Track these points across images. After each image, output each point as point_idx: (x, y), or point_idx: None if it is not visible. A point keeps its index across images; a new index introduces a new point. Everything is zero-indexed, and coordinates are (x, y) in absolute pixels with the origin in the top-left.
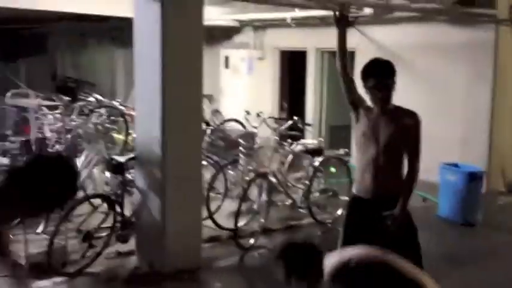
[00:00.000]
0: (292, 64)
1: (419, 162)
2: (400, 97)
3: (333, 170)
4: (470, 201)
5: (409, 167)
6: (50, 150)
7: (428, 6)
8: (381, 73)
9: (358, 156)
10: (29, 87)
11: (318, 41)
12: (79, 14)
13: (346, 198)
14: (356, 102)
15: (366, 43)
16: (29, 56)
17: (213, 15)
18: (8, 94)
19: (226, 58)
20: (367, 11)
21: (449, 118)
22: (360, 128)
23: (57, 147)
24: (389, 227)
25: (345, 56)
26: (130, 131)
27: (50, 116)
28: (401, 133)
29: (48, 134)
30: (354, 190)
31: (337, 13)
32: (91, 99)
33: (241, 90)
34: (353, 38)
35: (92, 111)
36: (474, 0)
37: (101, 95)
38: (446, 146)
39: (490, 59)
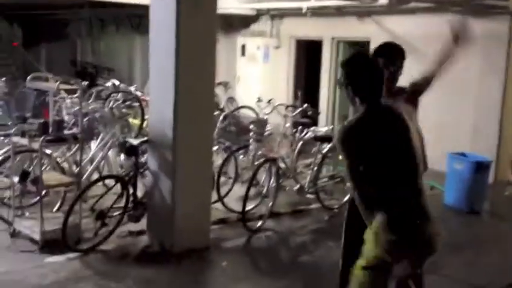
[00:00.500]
0: (308, 53)
1: None
2: None
3: (340, 156)
4: (476, 190)
5: None
6: (66, 132)
7: None
8: (390, 54)
9: None
10: (49, 72)
11: (333, 31)
12: (99, 1)
13: None
14: None
15: (381, 33)
16: (50, 41)
17: (231, 4)
18: (29, 78)
19: (243, 46)
20: (383, 1)
21: (460, 108)
22: None
23: (74, 129)
24: None
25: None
26: (145, 117)
27: (68, 100)
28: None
29: (65, 117)
30: None
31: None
32: (108, 84)
33: (256, 78)
34: (368, 28)
35: (108, 96)
36: None
37: (119, 81)
38: (457, 135)
39: (503, 50)
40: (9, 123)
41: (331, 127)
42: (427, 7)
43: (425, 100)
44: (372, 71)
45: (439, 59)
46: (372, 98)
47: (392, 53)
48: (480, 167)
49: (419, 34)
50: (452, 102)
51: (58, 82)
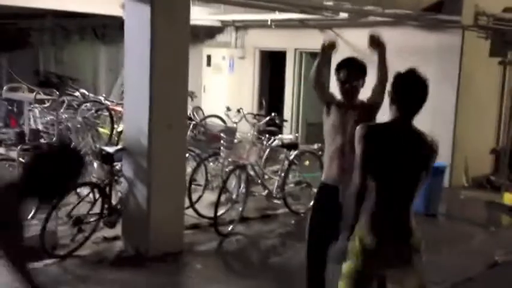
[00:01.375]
0: (272, 63)
1: None
2: None
3: (306, 163)
4: (432, 194)
5: None
6: (42, 141)
7: (399, 12)
8: (351, 67)
9: (326, 146)
10: (10, 81)
11: (296, 42)
12: (62, 11)
13: None
14: (328, 100)
15: (342, 45)
16: (12, 51)
17: (197, 15)
18: (5, 88)
19: (209, 57)
20: (343, 15)
21: (417, 117)
22: (329, 120)
23: (47, 139)
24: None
25: (321, 72)
26: (115, 125)
27: (37, 110)
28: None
29: (39, 126)
30: (322, 178)
31: (325, 43)
32: (77, 94)
33: (222, 88)
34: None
35: (79, 105)
36: (441, 7)
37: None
38: None
39: (456, 61)
40: None
41: (296, 134)
42: (385, 21)
43: (384, 108)
44: (420, 91)
45: (378, 66)
46: (406, 113)
47: (355, 67)
48: (435, 172)
49: None
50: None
51: (35, 92)
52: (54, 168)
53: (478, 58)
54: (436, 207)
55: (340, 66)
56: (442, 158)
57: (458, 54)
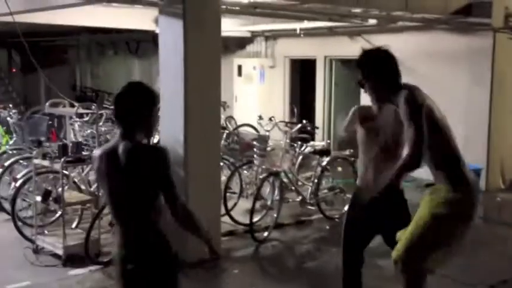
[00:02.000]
0: (303, 71)
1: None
2: None
3: (339, 169)
4: None
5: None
6: (84, 153)
7: (428, 16)
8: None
9: (360, 154)
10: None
11: (326, 50)
12: (97, 27)
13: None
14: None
15: None
16: (50, 67)
17: (227, 27)
18: (47, 103)
19: (239, 67)
20: (372, 21)
21: (451, 121)
22: (361, 129)
23: (88, 151)
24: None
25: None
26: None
27: (78, 123)
28: (396, 127)
29: (80, 139)
30: (357, 183)
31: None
32: None
33: (253, 97)
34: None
35: None
36: (470, 10)
37: None
38: None
39: (487, 64)
40: (23, 148)
41: (328, 141)
42: (414, 26)
43: None
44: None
45: None
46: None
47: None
48: None
49: (408, 51)
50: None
51: (76, 107)
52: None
53: (510, 59)
54: None
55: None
56: (477, 160)
57: (490, 56)
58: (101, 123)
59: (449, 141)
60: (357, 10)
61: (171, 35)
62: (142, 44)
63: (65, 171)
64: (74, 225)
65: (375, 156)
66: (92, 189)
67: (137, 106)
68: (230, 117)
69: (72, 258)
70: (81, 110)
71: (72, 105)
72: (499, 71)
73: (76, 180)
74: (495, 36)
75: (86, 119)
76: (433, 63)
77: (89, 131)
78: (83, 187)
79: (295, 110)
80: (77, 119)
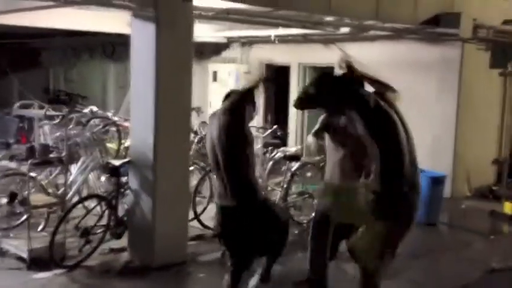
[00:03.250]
0: (278, 78)
1: None
2: None
3: (309, 174)
4: (433, 204)
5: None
6: (51, 156)
7: (398, 26)
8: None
9: (328, 156)
10: (21, 100)
11: (300, 57)
12: (72, 30)
13: None
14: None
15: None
16: (23, 70)
17: (203, 32)
18: (16, 105)
19: (215, 73)
20: (344, 29)
21: (419, 129)
22: (328, 135)
23: (57, 154)
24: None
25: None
26: (122, 141)
27: (47, 126)
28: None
29: (49, 142)
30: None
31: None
32: (86, 110)
33: None
34: (333, 54)
35: (88, 121)
36: (439, 20)
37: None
38: (417, 153)
39: (456, 74)
40: None
41: (299, 147)
42: (386, 35)
43: None
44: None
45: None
46: None
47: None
48: (435, 182)
49: (379, 60)
50: (411, 121)
51: (45, 109)
52: None
53: (478, 70)
54: (437, 216)
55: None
56: (443, 168)
57: (458, 67)
58: (71, 126)
59: None
60: (330, 18)
61: (142, 39)
62: (118, 47)
63: (31, 174)
64: (40, 229)
65: (341, 159)
66: (59, 192)
67: None
68: (204, 123)
69: (37, 262)
70: (50, 112)
71: (42, 108)
72: (467, 81)
73: (43, 183)
74: (463, 47)
75: (56, 121)
76: (404, 72)
77: (58, 134)
78: (50, 190)
79: (269, 115)
80: (47, 121)
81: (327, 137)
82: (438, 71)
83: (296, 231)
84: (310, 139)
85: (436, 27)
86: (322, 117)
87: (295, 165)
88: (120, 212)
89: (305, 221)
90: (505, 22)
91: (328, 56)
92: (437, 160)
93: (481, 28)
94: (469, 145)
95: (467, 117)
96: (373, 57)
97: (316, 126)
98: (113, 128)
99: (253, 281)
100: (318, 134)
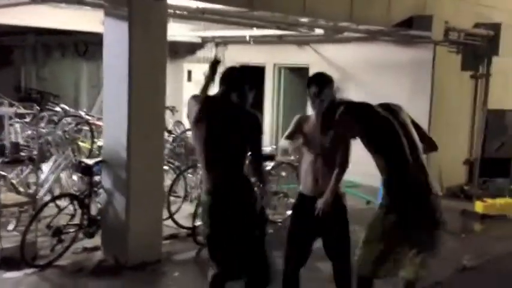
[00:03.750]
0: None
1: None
2: None
3: (283, 174)
4: None
5: (340, 158)
6: (22, 154)
7: (372, 28)
8: (321, 83)
9: (301, 160)
10: None
11: (275, 58)
12: (44, 28)
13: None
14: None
15: (319, 60)
16: None
17: (177, 32)
18: None
19: (189, 72)
20: (319, 31)
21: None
22: (302, 136)
23: (27, 152)
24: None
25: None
26: (95, 140)
27: (19, 124)
28: (334, 137)
29: (20, 140)
30: (300, 189)
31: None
32: (57, 109)
33: None
34: (307, 55)
35: (60, 120)
36: (412, 23)
37: (66, 106)
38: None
39: (428, 76)
40: None
41: (274, 146)
42: (359, 37)
43: None
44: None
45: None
46: None
47: (323, 82)
48: None
49: (354, 61)
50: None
51: (15, 106)
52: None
53: (450, 72)
54: None
55: (311, 81)
56: None
57: (430, 69)
58: (42, 125)
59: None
60: (305, 20)
61: (116, 37)
62: (91, 46)
63: (2, 172)
64: (10, 228)
65: (313, 161)
66: (30, 191)
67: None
68: (178, 122)
69: (7, 261)
70: (20, 110)
71: (12, 105)
72: (439, 83)
73: (14, 181)
74: (435, 49)
75: (27, 119)
76: (378, 74)
77: (29, 132)
78: (21, 189)
79: None
80: (18, 120)
81: (300, 138)
82: (411, 73)
83: (271, 231)
84: (283, 142)
85: (409, 29)
86: (295, 119)
87: (270, 165)
88: (93, 211)
89: (280, 220)
90: (476, 25)
91: (303, 57)
92: None
93: (452, 31)
94: (441, 145)
95: (439, 117)
96: (347, 58)
97: (289, 129)
98: (86, 127)
99: None
100: (290, 137)
